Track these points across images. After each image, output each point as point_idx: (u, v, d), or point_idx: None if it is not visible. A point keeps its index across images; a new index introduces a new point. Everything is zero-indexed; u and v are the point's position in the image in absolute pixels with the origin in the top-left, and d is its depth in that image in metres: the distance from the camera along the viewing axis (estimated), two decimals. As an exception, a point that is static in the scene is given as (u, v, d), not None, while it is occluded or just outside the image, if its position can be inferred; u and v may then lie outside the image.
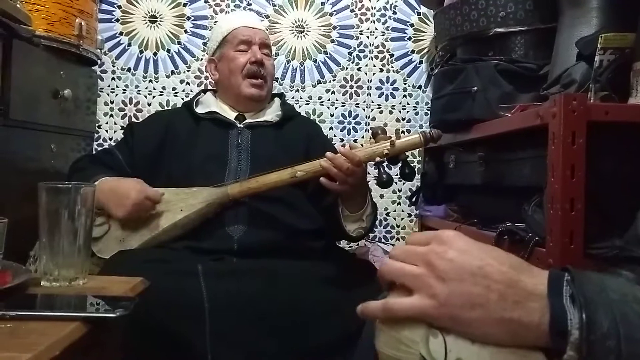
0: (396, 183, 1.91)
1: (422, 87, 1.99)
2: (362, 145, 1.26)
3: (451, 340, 0.46)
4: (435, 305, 0.46)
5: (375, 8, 1.99)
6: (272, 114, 1.52)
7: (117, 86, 1.95)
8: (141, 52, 1.95)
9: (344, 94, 1.98)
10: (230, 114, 1.49)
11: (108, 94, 1.94)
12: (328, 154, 1.18)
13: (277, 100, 1.60)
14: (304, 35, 1.98)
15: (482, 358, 0.45)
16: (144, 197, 1.24)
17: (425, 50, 2.00)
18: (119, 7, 1.95)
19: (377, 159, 1.20)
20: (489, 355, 0.45)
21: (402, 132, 1.95)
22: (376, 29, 1.99)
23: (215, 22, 1.91)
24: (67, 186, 0.77)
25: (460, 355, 0.45)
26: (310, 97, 1.97)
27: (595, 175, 0.91)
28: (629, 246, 0.58)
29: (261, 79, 1.48)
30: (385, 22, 1.99)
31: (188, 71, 1.96)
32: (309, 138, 1.51)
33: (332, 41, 1.98)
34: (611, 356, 0.41)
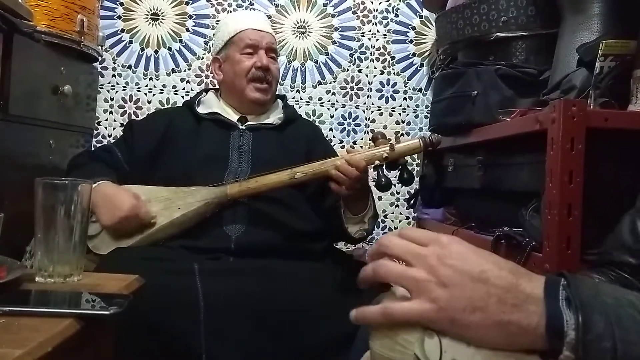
0: (395, 185, 1.91)
1: (423, 90, 1.99)
2: (361, 147, 1.26)
3: (447, 342, 0.46)
4: (436, 309, 0.46)
5: (377, 10, 1.99)
6: (274, 116, 1.52)
7: (117, 83, 1.94)
8: (142, 49, 1.95)
9: (344, 96, 1.98)
10: (233, 116, 1.49)
11: (108, 91, 1.94)
12: (338, 163, 1.21)
13: (279, 102, 1.59)
14: (305, 36, 1.98)
15: None
16: (135, 214, 1.23)
17: (426, 53, 2.00)
18: (121, 4, 1.95)
19: (377, 162, 1.21)
20: (484, 358, 0.45)
21: (402, 134, 1.95)
22: (378, 31, 1.99)
23: (218, 21, 1.92)
24: (64, 182, 0.76)
25: (455, 356, 0.45)
26: (310, 98, 1.97)
27: (593, 181, 0.91)
28: (610, 249, 0.59)
29: (266, 83, 1.47)
30: (387, 24, 1.99)
31: (189, 69, 1.96)
32: (310, 141, 1.51)
33: (334, 42, 1.98)
34: (607, 357, 0.41)
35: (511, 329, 0.44)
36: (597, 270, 0.57)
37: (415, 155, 1.93)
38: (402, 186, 1.94)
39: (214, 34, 1.78)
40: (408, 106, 1.99)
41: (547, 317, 0.44)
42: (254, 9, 1.96)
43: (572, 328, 0.42)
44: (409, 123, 1.99)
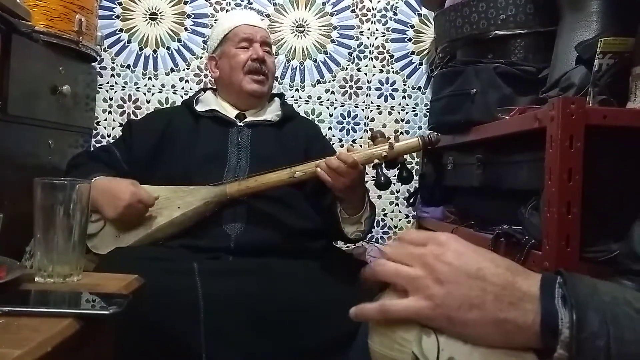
0: (394, 184, 1.91)
1: (422, 89, 1.99)
2: (360, 145, 1.26)
3: (444, 340, 0.46)
4: (432, 307, 0.46)
5: (375, 9, 1.98)
6: (272, 113, 1.52)
7: (116, 83, 1.94)
8: (141, 49, 1.95)
9: (343, 94, 1.98)
10: (231, 112, 1.49)
11: (107, 91, 1.94)
12: (326, 159, 1.19)
13: (277, 100, 1.60)
14: (304, 35, 1.98)
15: (474, 358, 0.45)
16: (137, 200, 1.23)
17: (425, 52, 2.00)
18: (120, 3, 1.95)
19: (376, 161, 1.20)
20: (481, 355, 0.45)
21: (401, 133, 1.95)
22: (376, 30, 1.99)
23: (216, 20, 1.92)
24: (63, 182, 0.76)
25: (452, 354, 0.45)
26: (309, 97, 1.97)
27: (592, 179, 0.91)
28: (625, 260, 0.58)
29: (262, 75, 1.48)
30: (386, 23, 1.99)
31: (187, 69, 1.96)
32: (308, 139, 1.51)
33: (333, 41, 1.98)
34: (600, 355, 0.41)
35: (508, 327, 0.44)
36: (619, 277, 0.56)
37: (414, 154, 1.93)
38: (401, 185, 1.94)
39: (209, 35, 1.78)
40: (407, 105, 1.99)
41: (542, 315, 0.44)
42: (252, 8, 1.95)
43: (567, 326, 0.42)
44: (408, 121, 1.99)
